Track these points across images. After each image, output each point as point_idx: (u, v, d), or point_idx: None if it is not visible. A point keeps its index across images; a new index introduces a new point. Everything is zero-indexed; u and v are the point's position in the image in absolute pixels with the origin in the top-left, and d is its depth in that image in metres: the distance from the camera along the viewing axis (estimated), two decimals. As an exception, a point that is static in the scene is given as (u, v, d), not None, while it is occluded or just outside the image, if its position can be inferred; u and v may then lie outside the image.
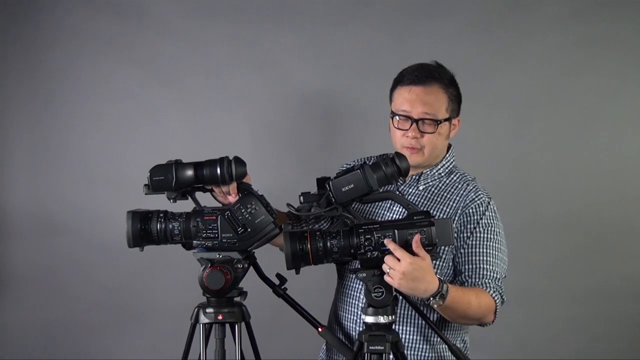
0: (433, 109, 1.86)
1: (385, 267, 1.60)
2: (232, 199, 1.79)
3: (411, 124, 1.86)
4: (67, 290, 2.89)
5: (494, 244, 1.84)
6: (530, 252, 2.84)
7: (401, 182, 1.88)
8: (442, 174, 1.94)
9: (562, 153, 2.84)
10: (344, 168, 1.85)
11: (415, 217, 1.67)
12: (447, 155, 1.96)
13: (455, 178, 1.94)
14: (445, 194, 1.90)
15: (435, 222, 1.64)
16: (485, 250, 1.83)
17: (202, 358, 1.78)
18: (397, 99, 1.91)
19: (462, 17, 2.86)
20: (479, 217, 1.85)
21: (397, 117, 1.89)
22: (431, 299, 1.63)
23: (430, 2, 2.87)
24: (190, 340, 1.83)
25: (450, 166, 1.96)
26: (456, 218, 1.85)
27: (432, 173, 1.93)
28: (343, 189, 1.70)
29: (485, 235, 1.84)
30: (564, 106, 2.84)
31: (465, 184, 1.91)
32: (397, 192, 1.92)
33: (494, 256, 1.83)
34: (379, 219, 1.94)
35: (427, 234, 1.62)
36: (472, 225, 1.84)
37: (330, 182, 1.71)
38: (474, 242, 1.84)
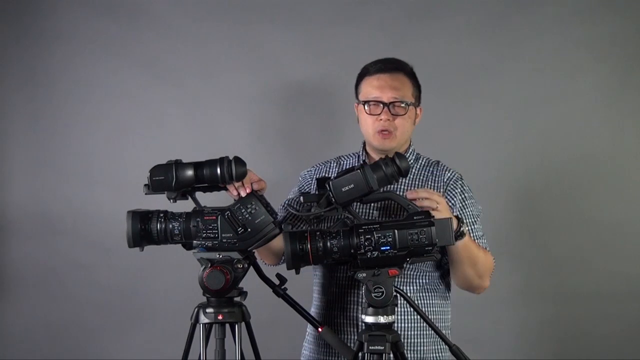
0: (401, 93, 1.97)
1: (432, 204, 1.73)
2: (244, 192, 1.81)
3: (383, 108, 1.95)
4: (67, 290, 2.89)
5: (475, 209, 2.00)
6: (530, 252, 2.83)
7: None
8: (412, 159, 2.05)
9: (562, 153, 2.83)
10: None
11: (415, 217, 1.67)
12: (412, 144, 2.09)
13: (423, 162, 2.08)
14: (421, 177, 2.03)
15: (435, 222, 1.64)
16: (472, 215, 1.98)
17: (202, 358, 1.77)
18: (366, 88, 2.01)
19: (462, 17, 2.85)
20: (459, 190, 1.99)
21: (368, 104, 1.98)
22: (462, 225, 1.79)
23: (430, 2, 2.87)
24: (190, 340, 1.83)
25: (416, 152, 2.09)
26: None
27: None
28: (343, 189, 1.70)
29: (468, 203, 1.99)
30: (564, 106, 2.83)
31: (435, 166, 2.06)
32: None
33: (477, 219, 2.00)
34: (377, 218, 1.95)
35: (427, 234, 1.63)
36: (456, 199, 1.98)
37: (331, 182, 1.71)
38: (462, 212, 1.97)
